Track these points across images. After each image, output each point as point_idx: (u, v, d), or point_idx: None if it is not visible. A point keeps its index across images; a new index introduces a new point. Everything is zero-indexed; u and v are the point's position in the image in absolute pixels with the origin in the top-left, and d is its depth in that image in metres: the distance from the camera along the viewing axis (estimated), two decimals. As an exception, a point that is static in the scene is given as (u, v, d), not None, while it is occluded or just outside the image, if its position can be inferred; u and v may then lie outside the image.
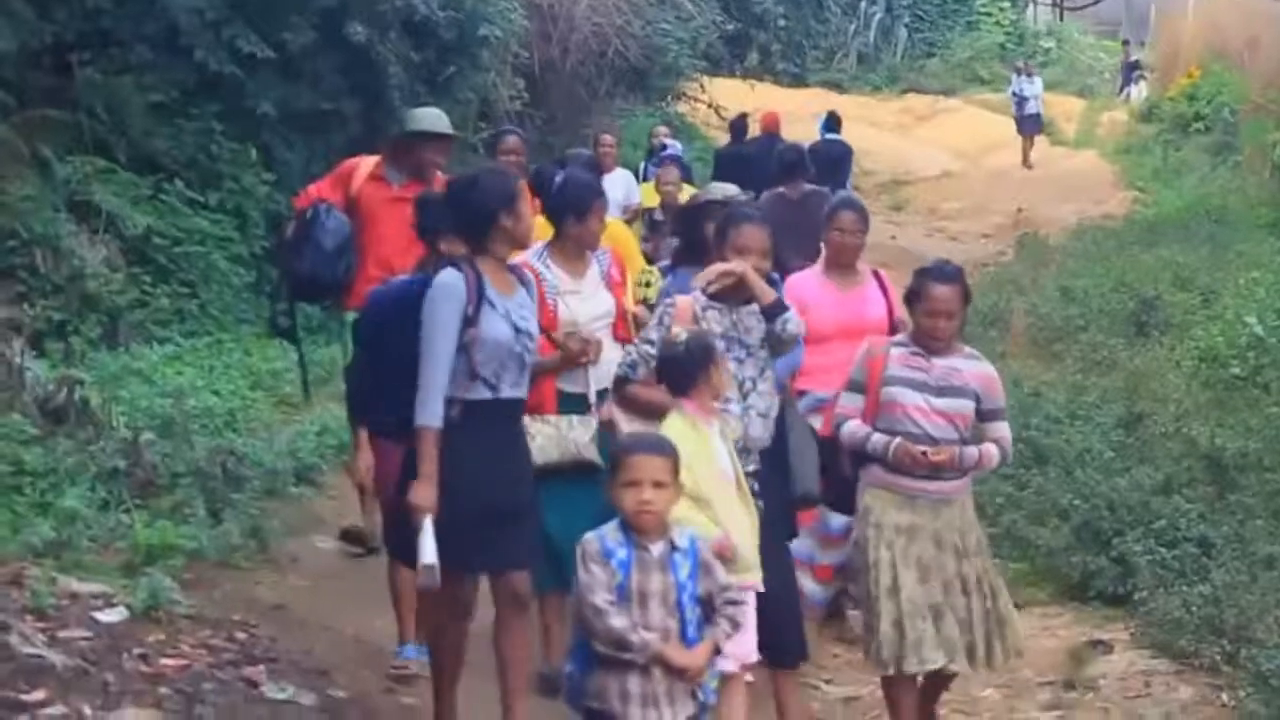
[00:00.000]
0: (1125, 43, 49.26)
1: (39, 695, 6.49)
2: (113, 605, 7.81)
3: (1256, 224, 22.63)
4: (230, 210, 15.32)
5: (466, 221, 7.34)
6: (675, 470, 6.00)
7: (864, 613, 7.93)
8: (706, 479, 6.90)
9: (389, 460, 7.91)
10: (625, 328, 8.48)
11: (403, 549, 7.46)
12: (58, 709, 6.42)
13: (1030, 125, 36.92)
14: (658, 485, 5.90)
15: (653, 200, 15.86)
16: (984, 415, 7.87)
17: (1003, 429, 7.95)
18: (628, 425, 7.53)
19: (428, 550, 6.89)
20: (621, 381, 7.67)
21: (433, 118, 10.48)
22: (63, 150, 14.01)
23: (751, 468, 7.61)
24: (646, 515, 5.88)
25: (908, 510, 7.75)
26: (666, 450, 6.05)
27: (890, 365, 7.82)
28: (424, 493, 6.94)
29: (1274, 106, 17.92)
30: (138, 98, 14.83)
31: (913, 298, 7.89)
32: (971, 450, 7.79)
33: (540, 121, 23.12)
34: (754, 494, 7.52)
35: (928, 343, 7.83)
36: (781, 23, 45.44)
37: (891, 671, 7.77)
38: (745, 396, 7.64)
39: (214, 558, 9.42)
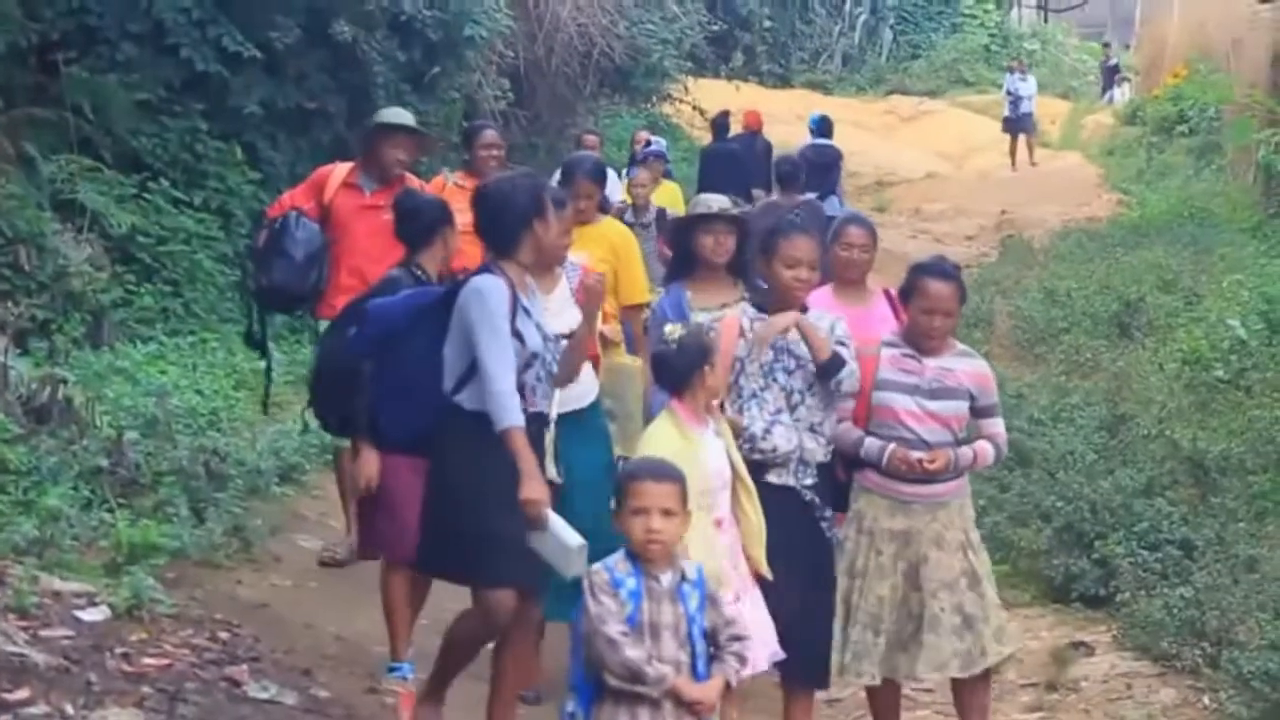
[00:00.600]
0: (1106, 45, 49.35)
1: (21, 694, 6.49)
2: (95, 604, 7.80)
3: (1240, 227, 22.64)
4: (215, 209, 15.31)
5: (498, 226, 7.21)
6: (684, 496, 5.84)
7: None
8: None
9: (398, 474, 7.88)
10: (594, 345, 8.34)
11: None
12: (40, 708, 6.42)
13: (1024, 124, 36.88)
14: (666, 513, 5.74)
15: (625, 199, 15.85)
16: (979, 412, 7.80)
17: (998, 425, 7.88)
18: None
19: (569, 534, 6.75)
20: None
21: (395, 112, 10.51)
22: (48, 149, 13.99)
23: (809, 481, 7.57)
24: (655, 545, 5.72)
25: (901, 515, 7.66)
26: (674, 476, 5.87)
27: (881, 368, 7.71)
28: (537, 488, 6.82)
29: (1258, 107, 17.91)
30: (123, 96, 14.82)
31: (907, 294, 7.78)
32: (966, 450, 7.72)
33: (525, 121, 23.14)
34: (814, 506, 7.55)
35: (921, 341, 7.73)
36: (767, 24, 45.49)
37: (864, 679, 7.72)
38: (793, 409, 7.57)
39: (197, 557, 9.41)
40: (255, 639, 8.21)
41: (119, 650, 7.31)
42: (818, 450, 7.60)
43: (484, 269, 7.16)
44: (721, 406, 7.43)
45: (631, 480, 5.84)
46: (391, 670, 8.43)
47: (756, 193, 19.04)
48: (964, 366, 7.77)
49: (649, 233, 14.21)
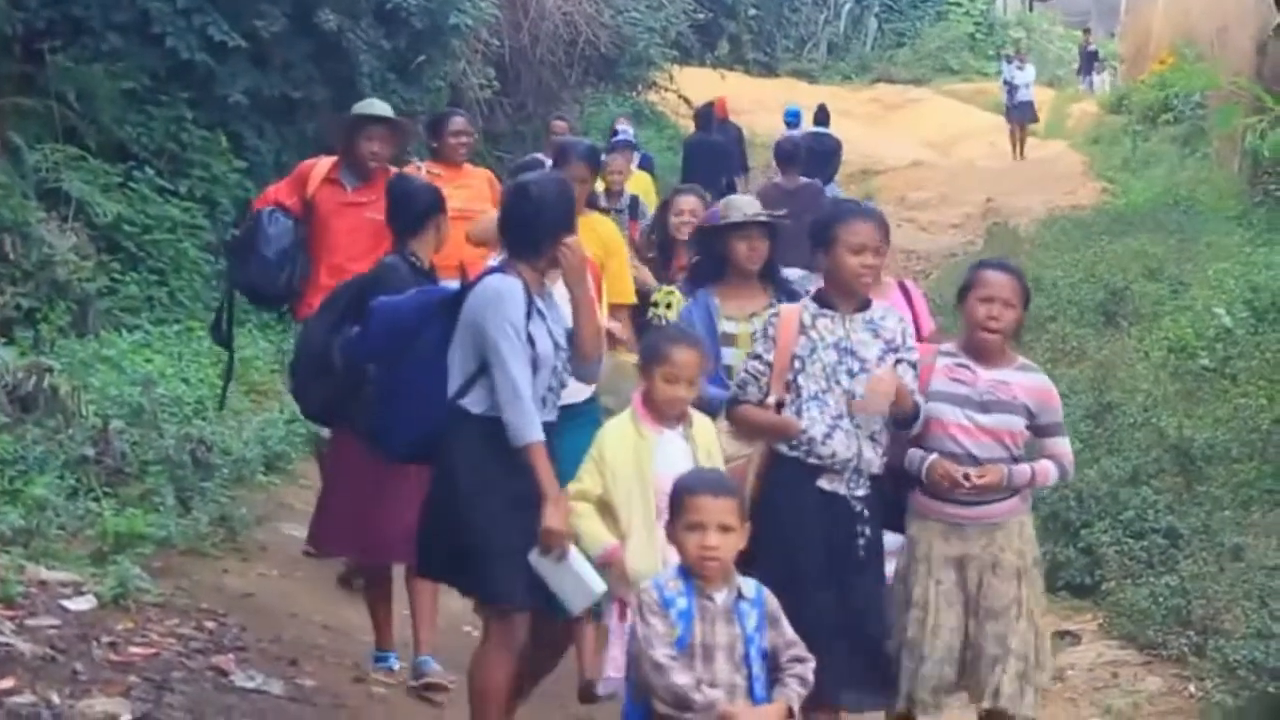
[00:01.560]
0: (1086, 31, 49.40)
1: (7, 683, 6.49)
2: (81, 593, 7.81)
3: (1225, 215, 22.64)
4: (200, 198, 15.26)
5: (527, 230, 6.95)
6: (742, 512, 5.63)
7: (892, 647, 7.29)
8: (624, 488, 6.60)
9: (392, 477, 7.85)
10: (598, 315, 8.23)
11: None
12: (26, 697, 6.42)
13: (1022, 113, 36.89)
14: (723, 529, 5.50)
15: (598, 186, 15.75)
16: (1040, 430, 7.38)
17: (1061, 444, 7.44)
18: (736, 447, 7.24)
19: (591, 576, 6.55)
20: (732, 402, 7.32)
21: (368, 104, 10.49)
22: (33, 138, 13.95)
23: (861, 492, 7.21)
24: (711, 562, 5.50)
25: (956, 539, 7.24)
26: (732, 491, 5.68)
27: (933, 379, 7.32)
28: (560, 516, 6.59)
29: (1244, 94, 17.90)
30: (108, 85, 14.78)
31: (965, 291, 7.43)
32: (1023, 468, 7.28)
33: (510, 109, 23.15)
34: (863, 519, 7.19)
35: (980, 341, 7.36)
36: (752, 12, 45.44)
37: (943, 712, 7.39)
38: (854, 415, 7.19)
39: (183, 546, 9.41)
40: (241, 628, 8.23)
41: (105, 639, 7.31)
42: (875, 460, 7.25)
43: (499, 269, 6.96)
44: (779, 406, 7.23)
45: (687, 494, 5.61)
46: (378, 660, 8.45)
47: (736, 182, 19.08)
48: (1022, 381, 7.39)
49: (621, 219, 14.11)
